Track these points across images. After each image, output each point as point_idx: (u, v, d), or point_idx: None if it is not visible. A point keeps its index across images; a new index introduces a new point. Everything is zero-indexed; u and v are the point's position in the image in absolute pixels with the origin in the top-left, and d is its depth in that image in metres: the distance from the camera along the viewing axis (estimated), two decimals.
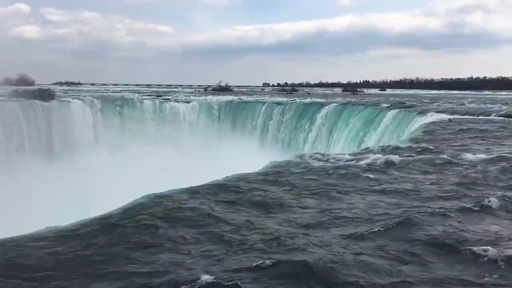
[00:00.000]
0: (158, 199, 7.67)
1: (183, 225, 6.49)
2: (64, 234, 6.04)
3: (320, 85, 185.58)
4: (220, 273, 4.86)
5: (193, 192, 8.26)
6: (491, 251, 5.54)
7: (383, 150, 13.92)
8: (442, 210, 7.18)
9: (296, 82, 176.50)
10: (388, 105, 34.26)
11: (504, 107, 30.76)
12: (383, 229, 6.38)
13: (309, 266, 5.00)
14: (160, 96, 51.86)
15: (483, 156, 12.13)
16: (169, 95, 54.21)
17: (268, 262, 5.09)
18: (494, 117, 24.19)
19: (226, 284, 4.59)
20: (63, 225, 6.39)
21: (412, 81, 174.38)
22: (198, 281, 4.62)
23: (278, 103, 43.45)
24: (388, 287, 4.68)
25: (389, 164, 11.24)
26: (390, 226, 6.47)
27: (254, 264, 5.06)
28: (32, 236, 6.02)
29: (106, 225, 6.36)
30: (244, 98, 51.42)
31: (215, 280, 4.65)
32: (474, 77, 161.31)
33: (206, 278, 4.68)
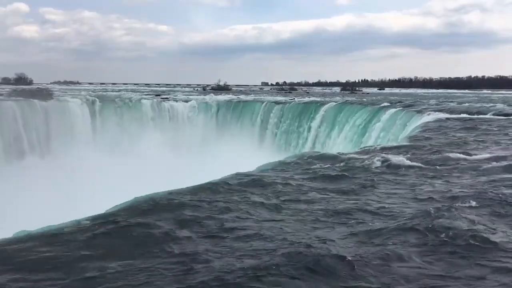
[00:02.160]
0: (156, 199, 7.64)
1: (180, 225, 6.46)
2: (63, 234, 6.00)
3: (319, 84, 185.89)
4: (222, 272, 4.83)
5: (192, 192, 8.24)
6: (495, 249, 5.53)
7: (382, 149, 13.90)
8: (441, 209, 7.16)
9: (295, 81, 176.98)
10: (387, 104, 34.26)
11: (502, 105, 30.79)
12: (382, 228, 6.36)
13: (314, 265, 4.98)
14: (158, 95, 51.85)
15: (481, 154, 12.13)
16: (168, 94, 54.23)
17: (268, 262, 5.06)
18: (492, 116, 24.20)
19: (231, 284, 4.56)
20: (61, 224, 6.35)
21: (410, 80, 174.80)
22: (197, 282, 4.60)
23: (277, 102, 43.40)
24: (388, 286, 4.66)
25: (388, 163, 11.22)
26: (390, 225, 6.46)
27: (254, 265, 5.04)
28: (28, 235, 5.98)
29: (104, 224, 6.32)
30: (243, 97, 51.37)
31: (215, 281, 4.62)
32: (472, 76, 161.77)
33: (206, 278, 4.65)
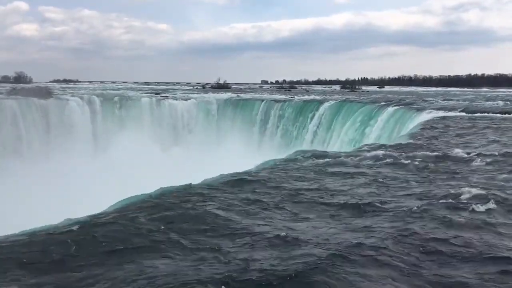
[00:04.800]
0: (155, 197, 7.66)
1: (178, 224, 6.47)
2: (64, 232, 6.02)
3: (318, 82, 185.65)
4: (220, 270, 4.85)
5: (191, 191, 8.26)
6: (491, 245, 5.56)
7: (382, 147, 13.92)
8: (439, 207, 7.18)
9: (294, 80, 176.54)
10: (386, 102, 34.25)
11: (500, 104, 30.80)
12: (379, 226, 6.38)
13: (311, 262, 5.00)
14: (158, 93, 51.75)
15: (480, 152, 12.15)
16: (167, 93, 54.17)
17: (268, 259, 5.08)
18: (491, 114, 24.21)
19: (231, 282, 4.58)
20: (64, 222, 6.37)
21: (410, 78, 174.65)
22: (196, 282, 4.61)
23: (277, 101, 43.39)
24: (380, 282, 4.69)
25: (387, 161, 11.25)
26: (387, 224, 6.48)
27: (253, 262, 5.06)
28: (26, 233, 6.00)
29: (102, 224, 6.34)
30: (243, 95, 51.35)
31: (214, 279, 4.64)
32: (472, 74, 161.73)
33: (203, 277, 4.67)
